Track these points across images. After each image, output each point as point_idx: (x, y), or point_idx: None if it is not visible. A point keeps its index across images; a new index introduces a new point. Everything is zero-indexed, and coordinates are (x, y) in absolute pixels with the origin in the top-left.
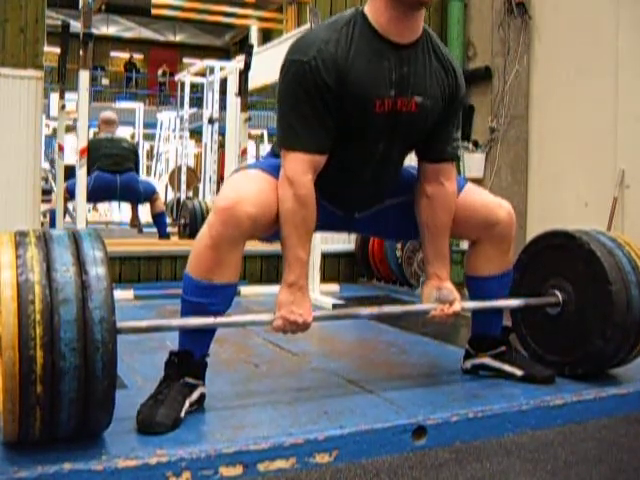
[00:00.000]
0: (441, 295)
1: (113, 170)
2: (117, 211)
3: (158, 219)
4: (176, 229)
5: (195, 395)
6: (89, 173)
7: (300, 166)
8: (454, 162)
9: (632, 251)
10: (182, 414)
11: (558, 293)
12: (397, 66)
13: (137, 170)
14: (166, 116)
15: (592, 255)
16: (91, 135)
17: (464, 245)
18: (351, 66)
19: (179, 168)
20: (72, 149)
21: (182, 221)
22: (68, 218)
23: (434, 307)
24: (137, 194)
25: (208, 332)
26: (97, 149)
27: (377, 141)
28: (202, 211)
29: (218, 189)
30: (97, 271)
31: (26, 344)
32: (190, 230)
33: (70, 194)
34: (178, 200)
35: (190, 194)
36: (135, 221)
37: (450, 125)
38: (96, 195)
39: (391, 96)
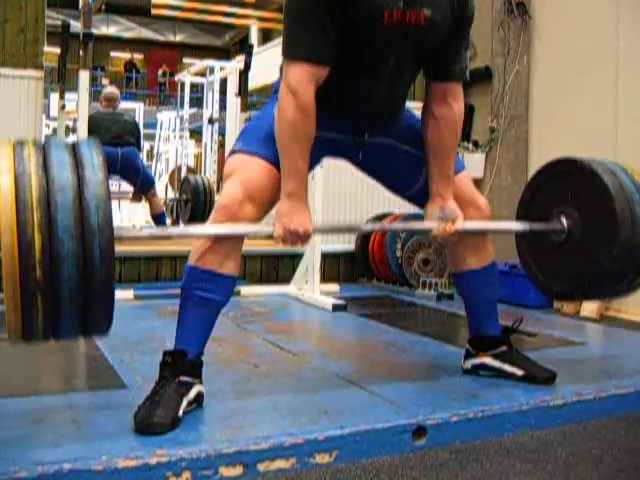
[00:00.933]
0: (444, 213)
1: (114, 143)
2: (117, 211)
3: (158, 219)
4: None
5: (192, 393)
6: None
7: (303, 76)
8: (461, 83)
9: (635, 174)
10: (180, 413)
11: (563, 220)
12: None
13: (138, 146)
14: (166, 116)
15: (594, 176)
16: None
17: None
18: None
19: (179, 168)
20: None
21: (184, 197)
22: None
23: (437, 226)
24: (137, 171)
25: (205, 331)
26: (98, 123)
27: (387, 56)
28: (205, 187)
29: (218, 189)
30: (94, 164)
31: (24, 228)
32: (192, 208)
33: None
34: (177, 200)
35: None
36: (136, 195)
37: (459, 43)
38: None
39: (399, 7)
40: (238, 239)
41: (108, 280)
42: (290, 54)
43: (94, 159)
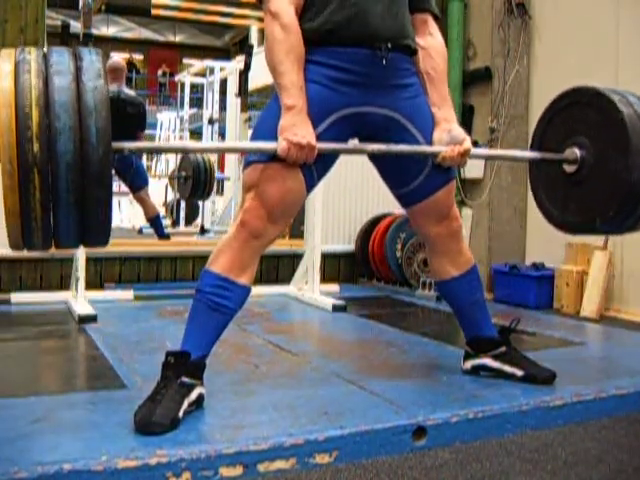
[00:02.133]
0: (451, 136)
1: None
2: (117, 211)
3: (154, 222)
4: (179, 232)
5: (194, 395)
6: None
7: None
8: (436, 17)
9: None
10: (180, 414)
11: (576, 150)
12: None
13: (142, 127)
14: (166, 116)
15: (610, 104)
16: None
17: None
18: None
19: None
20: None
21: (183, 174)
22: None
23: (445, 149)
24: (130, 164)
25: (214, 336)
26: None
27: None
28: (205, 165)
29: (218, 190)
30: (91, 57)
31: (22, 103)
32: (192, 186)
33: None
34: (178, 201)
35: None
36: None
37: None
38: None
39: None
40: (259, 249)
41: (105, 160)
42: None
43: (92, 55)
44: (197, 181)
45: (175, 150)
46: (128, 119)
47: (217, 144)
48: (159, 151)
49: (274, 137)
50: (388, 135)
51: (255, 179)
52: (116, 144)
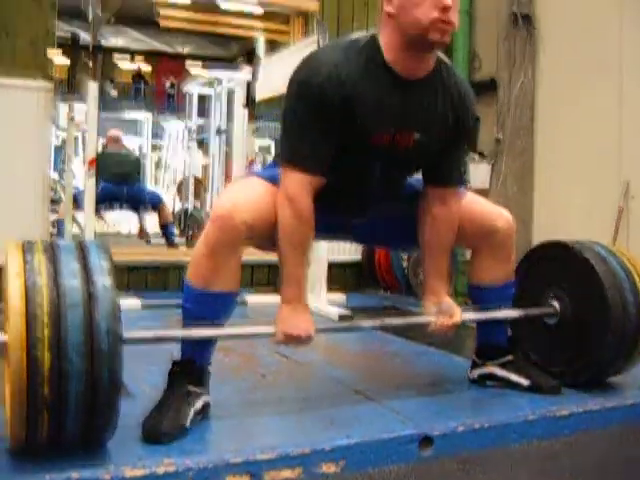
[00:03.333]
0: (440, 309)
1: (120, 182)
2: (126, 222)
3: (166, 229)
4: (184, 239)
5: (200, 403)
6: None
7: (301, 185)
8: (460, 186)
9: (625, 259)
10: (187, 423)
11: (555, 303)
12: (402, 102)
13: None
14: (174, 127)
15: (586, 263)
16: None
17: (470, 255)
18: (358, 96)
19: (186, 179)
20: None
21: (190, 232)
22: (76, 228)
23: (434, 320)
24: (143, 201)
25: (210, 341)
26: (106, 162)
27: (374, 164)
28: None
29: None
30: (103, 281)
31: (34, 345)
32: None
33: (77, 203)
34: (185, 211)
35: (198, 204)
36: (143, 233)
37: (457, 152)
38: (103, 200)
39: (391, 132)
40: (235, 253)
41: (115, 398)
42: (289, 163)
43: (103, 268)
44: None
45: (180, 337)
46: (129, 164)
47: (219, 332)
48: (163, 340)
49: (265, 175)
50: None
51: (239, 182)
52: (125, 336)
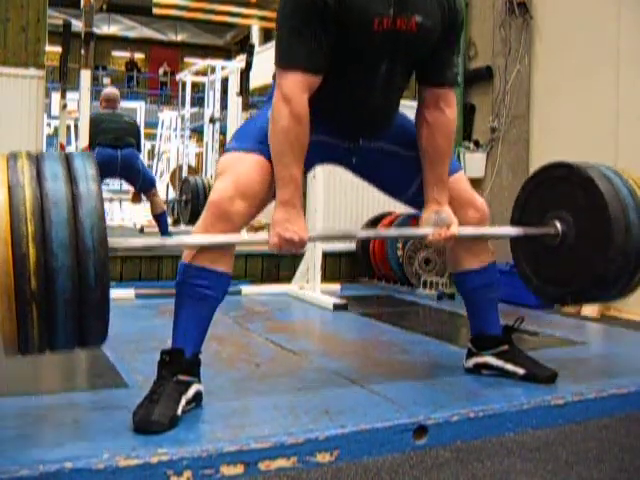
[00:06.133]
0: (439, 218)
1: (114, 145)
2: (118, 211)
3: (159, 218)
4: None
5: (191, 392)
6: (91, 149)
7: (297, 84)
8: (454, 88)
9: (630, 179)
10: (179, 412)
11: (558, 224)
12: None
13: (138, 147)
14: (167, 115)
15: (589, 182)
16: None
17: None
18: None
19: (180, 167)
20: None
21: (184, 197)
22: None
23: (432, 231)
24: (137, 172)
25: (201, 328)
26: (98, 124)
27: (378, 62)
28: (204, 188)
29: None
30: (88, 185)
31: (18, 241)
32: (192, 208)
33: None
34: (179, 201)
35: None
36: (136, 197)
37: (450, 49)
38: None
39: (390, 15)
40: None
41: (103, 298)
42: (284, 63)
43: (88, 172)
44: (197, 204)
45: (170, 246)
46: (124, 125)
47: (213, 238)
48: (152, 248)
49: (255, 141)
50: (374, 160)
51: (227, 164)
52: (111, 246)
